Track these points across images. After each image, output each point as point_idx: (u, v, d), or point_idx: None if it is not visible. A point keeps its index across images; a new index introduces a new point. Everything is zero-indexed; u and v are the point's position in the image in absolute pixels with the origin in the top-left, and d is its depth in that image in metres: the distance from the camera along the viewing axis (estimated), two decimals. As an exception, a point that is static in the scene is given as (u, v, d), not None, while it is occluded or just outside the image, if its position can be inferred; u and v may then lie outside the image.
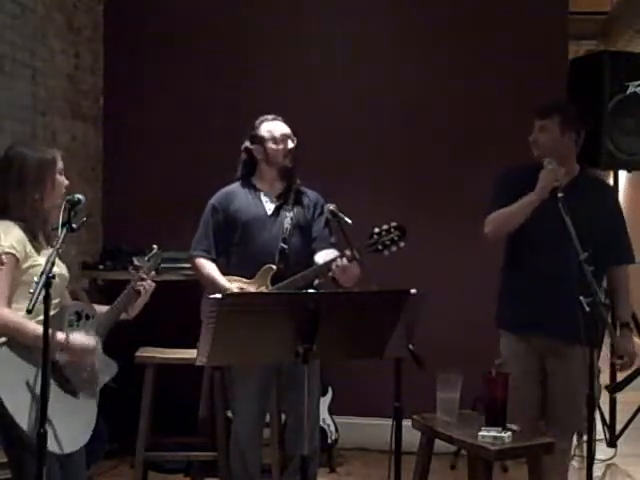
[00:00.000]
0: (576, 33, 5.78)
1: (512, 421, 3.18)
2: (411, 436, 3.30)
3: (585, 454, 3.03)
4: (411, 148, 5.13)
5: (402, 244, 3.46)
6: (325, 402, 4.82)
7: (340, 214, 3.49)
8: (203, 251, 3.77)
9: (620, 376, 5.12)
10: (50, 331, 2.59)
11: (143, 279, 3.12)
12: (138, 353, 4.06)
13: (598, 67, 4.88)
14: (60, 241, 2.74)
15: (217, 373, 4.04)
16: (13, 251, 2.83)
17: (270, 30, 5.25)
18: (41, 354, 2.61)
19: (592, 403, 3.01)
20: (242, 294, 3.40)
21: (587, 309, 2.95)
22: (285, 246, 3.69)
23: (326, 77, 5.20)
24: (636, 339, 3.69)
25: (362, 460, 4.94)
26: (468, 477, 3.41)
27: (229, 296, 2.98)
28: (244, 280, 3.67)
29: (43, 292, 2.55)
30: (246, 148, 3.84)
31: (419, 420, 3.36)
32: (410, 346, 2.87)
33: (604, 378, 5.11)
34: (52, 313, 2.65)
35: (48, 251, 2.83)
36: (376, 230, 3.46)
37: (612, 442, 5.12)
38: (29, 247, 2.88)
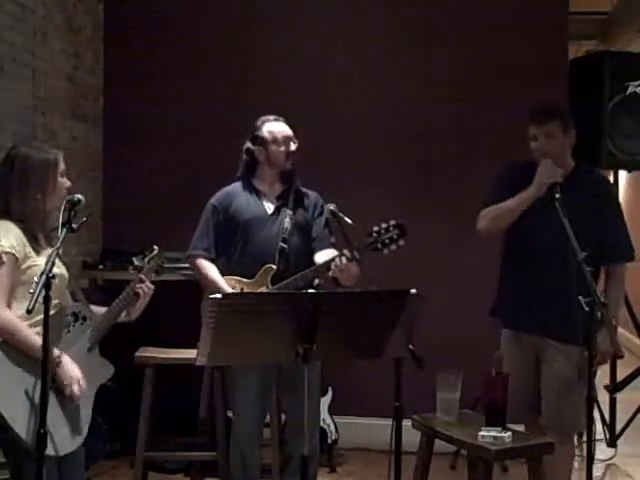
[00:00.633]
0: (576, 33, 5.77)
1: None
2: (411, 436, 3.30)
3: (585, 454, 3.02)
4: (411, 148, 5.13)
5: (402, 243, 3.43)
6: (325, 402, 4.82)
7: (340, 214, 3.49)
8: (203, 250, 3.76)
9: (620, 376, 5.13)
10: (43, 323, 2.59)
11: (142, 281, 3.11)
12: (138, 353, 4.06)
13: (598, 67, 4.88)
14: (60, 241, 2.75)
15: (217, 373, 4.04)
16: (13, 251, 2.83)
17: (270, 30, 5.25)
18: (34, 359, 2.66)
19: (591, 404, 3.00)
20: (242, 294, 3.40)
21: (586, 309, 2.93)
22: (285, 246, 3.69)
23: (326, 76, 5.21)
24: (636, 339, 3.68)
25: (362, 460, 4.94)
26: (468, 477, 3.41)
27: (229, 296, 2.99)
28: (244, 280, 3.67)
29: (43, 292, 2.55)
30: (247, 149, 3.84)
31: (419, 420, 3.36)
32: (410, 346, 2.87)
33: (604, 379, 5.12)
34: (51, 313, 2.65)
35: (48, 251, 2.82)
36: (375, 229, 3.44)
37: (612, 442, 5.12)
38: (28, 248, 2.88)
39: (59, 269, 2.88)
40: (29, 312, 2.55)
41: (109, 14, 5.44)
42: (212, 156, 5.02)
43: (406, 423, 3.02)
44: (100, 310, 3.09)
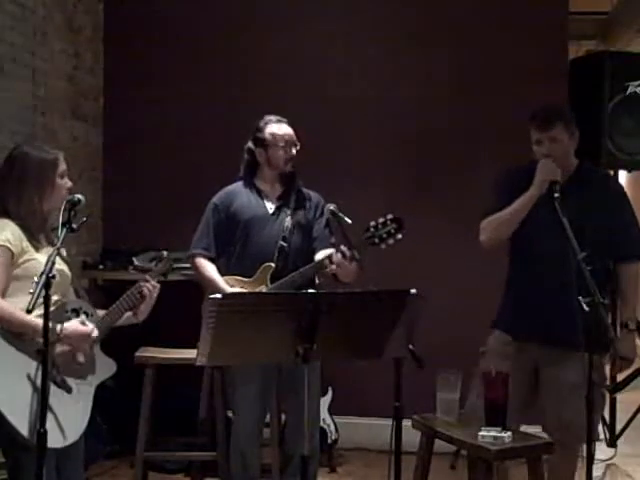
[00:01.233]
0: (576, 33, 5.77)
1: None
2: (411, 436, 3.29)
3: (585, 454, 3.02)
4: (411, 148, 5.13)
5: (399, 236, 3.40)
6: (325, 402, 4.82)
7: (340, 214, 3.49)
8: (203, 249, 3.77)
9: (620, 376, 5.12)
10: (43, 323, 2.58)
11: (147, 281, 3.11)
12: (138, 353, 4.06)
13: (598, 67, 4.88)
14: (60, 241, 2.74)
15: (217, 373, 4.04)
16: (8, 244, 2.82)
17: (270, 30, 5.25)
18: (30, 343, 2.67)
19: (590, 405, 2.98)
20: (242, 294, 3.40)
21: (586, 309, 2.88)
22: (285, 244, 3.69)
23: (326, 76, 5.21)
24: (638, 341, 3.66)
25: (362, 460, 4.94)
26: (468, 477, 3.41)
27: (229, 296, 2.99)
28: (244, 279, 3.67)
29: (43, 292, 2.55)
30: (249, 149, 3.84)
31: (419, 420, 3.36)
32: (410, 346, 2.87)
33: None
34: (51, 310, 2.64)
35: (48, 250, 2.82)
36: (372, 223, 3.43)
37: (612, 442, 5.12)
38: (26, 242, 2.87)
39: (60, 266, 2.87)
40: (29, 312, 2.56)
41: (109, 14, 5.44)
42: (212, 156, 5.03)
43: (406, 423, 3.02)
44: (102, 312, 3.08)
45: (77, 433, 2.89)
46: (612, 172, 5.25)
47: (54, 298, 2.71)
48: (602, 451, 5.01)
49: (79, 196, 2.88)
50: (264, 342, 2.62)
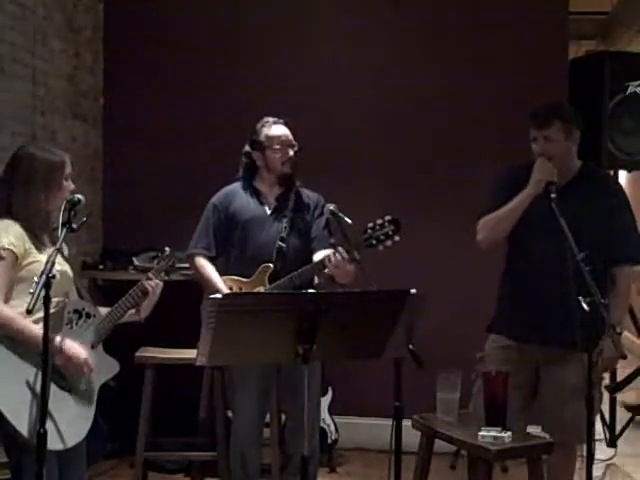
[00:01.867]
0: (576, 33, 5.78)
1: None
2: (411, 436, 3.29)
3: (585, 454, 3.02)
4: (411, 148, 5.13)
5: (397, 238, 3.40)
6: (325, 402, 4.82)
7: (340, 214, 3.49)
8: (202, 249, 3.77)
9: (620, 376, 5.13)
10: (43, 330, 2.57)
11: (150, 279, 3.11)
12: (138, 353, 4.06)
13: (598, 67, 4.88)
14: (60, 241, 2.74)
15: (217, 373, 4.04)
16: (12, 247, 2.82)
17: (271, 30, 5.26)
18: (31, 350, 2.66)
19: (590, 405, 2.98)
20: (242, 294, 3.41)
21: (586, 309, 2.87)
22: (283, 245, 3.69)
23: (327, 77, 5.20)
24: (636, 339, 3.66)
25: (362, 460, 4.95)
26: (468, 477, 3.41)
27: (229, 296, 2.99)
28: (242, 279, 3.67)
29: (43, 292, 2.55)
30: (246, 152, 3.84)
31: (419, 420, 3.36)
32: (410, 346, 2.87)
33: (604, 379, 5.12)
34: (52, 311, 2.64)
35: (51, 250, 2.82)
36: (370, 225, 3.43)
37: (612, 442, 5.12)
38: (29, 244, 2.87)
39: (61, 266, 2.88)
40: (29, 312, 2.55)
41: (109, 14, 5.44)
42: (212, 156, 5.02)
43: (406, 423, 3.01)
44: (105, 310, 3.08)
45: (79, 436, 2.90)
46: (612, 172, 5.27)
47: (55, 299, 2.71)
48: (602, 451, 5.01)
49: (79, 196, 2.88)
50: (264, 342, 2.61)
